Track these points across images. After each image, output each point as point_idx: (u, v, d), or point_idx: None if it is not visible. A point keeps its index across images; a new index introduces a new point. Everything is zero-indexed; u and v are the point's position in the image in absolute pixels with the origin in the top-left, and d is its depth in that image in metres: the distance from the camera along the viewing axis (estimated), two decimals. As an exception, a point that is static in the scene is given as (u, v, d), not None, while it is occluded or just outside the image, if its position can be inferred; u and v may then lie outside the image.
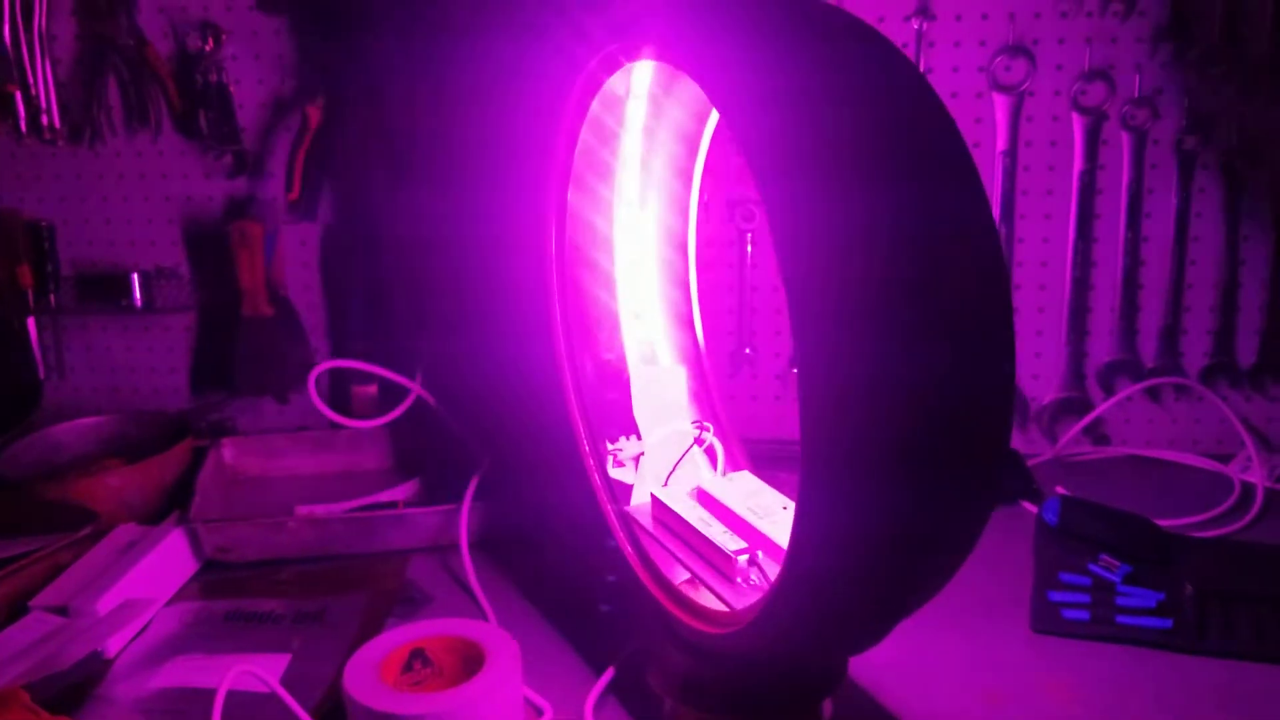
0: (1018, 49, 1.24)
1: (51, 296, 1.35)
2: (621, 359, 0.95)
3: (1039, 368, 1.34)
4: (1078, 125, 1.26)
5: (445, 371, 1.37)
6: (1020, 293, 1.31)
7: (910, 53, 1.24)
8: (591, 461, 0.92)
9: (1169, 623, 0.97)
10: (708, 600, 0.78)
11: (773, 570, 0.76)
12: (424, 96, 1.27)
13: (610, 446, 0.92)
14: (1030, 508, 1.19)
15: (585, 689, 0.90)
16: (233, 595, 1.06)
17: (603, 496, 0.92)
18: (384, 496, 1.21)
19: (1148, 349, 1.32)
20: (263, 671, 0.89)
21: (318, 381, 1.26)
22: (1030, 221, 1.29)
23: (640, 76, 0.84)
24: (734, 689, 0.77)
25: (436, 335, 1.36)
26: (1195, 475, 1.30)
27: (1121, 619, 0.98)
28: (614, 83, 0.83)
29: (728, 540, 0.79)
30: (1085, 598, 1.01)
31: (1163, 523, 1.12)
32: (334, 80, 1.26)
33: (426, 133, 1.29)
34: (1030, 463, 1.30)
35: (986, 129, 1.26)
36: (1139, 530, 1.09)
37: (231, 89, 1.28)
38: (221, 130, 1.29)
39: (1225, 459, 1.30)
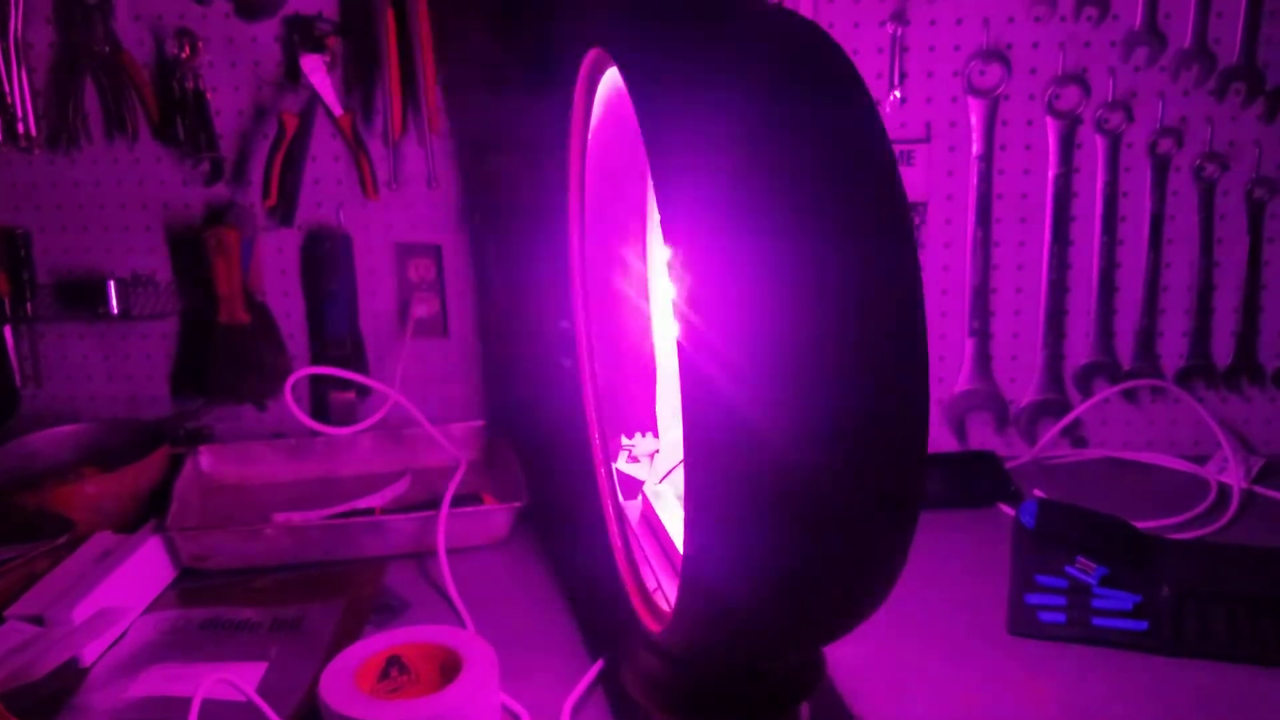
0: (992, 53, 1.24)
1: (28, 304, 1.34)
2: (650, 355, 0.94)
3: (1016, 371, 1.34)
4: (1052, 129, 1.26)
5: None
6: (997, 296, 1.32)
7: (885, 58, 1.24)
8: (601, 455, 0.93)
9: (1145, 624, 0.97)
10: (663, 602, 0.78)
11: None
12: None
13: (625, 442, 0.93)
14: (1008, 510, 1.20)
15: (563, 695, 0.90)
16: (210, 603, 1.06)
17: (605, 490, 0.92)
18: (362, 503, 1.20)
19: (1124, 351, 1.33)
20: (239, 680, 0.89)
21: (295, 388, 1.26)
22: (1006, 225, 1.30)
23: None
24: (704, 691, 0.77)
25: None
26: (1172, 477, 1.30)
27: (1098, 621, 0.98)
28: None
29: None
30: (1062, 600, 1.01)
31: (1140, 524, 1.12)
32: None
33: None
34: (1009, 465, 1.30)
35: (962, 133, 1.27)
36: (1116, 532, 1.10)
37: (209, 96, 1.28)
38: (199, 137, 1.28)
39: (1202, 460, 1.31)
